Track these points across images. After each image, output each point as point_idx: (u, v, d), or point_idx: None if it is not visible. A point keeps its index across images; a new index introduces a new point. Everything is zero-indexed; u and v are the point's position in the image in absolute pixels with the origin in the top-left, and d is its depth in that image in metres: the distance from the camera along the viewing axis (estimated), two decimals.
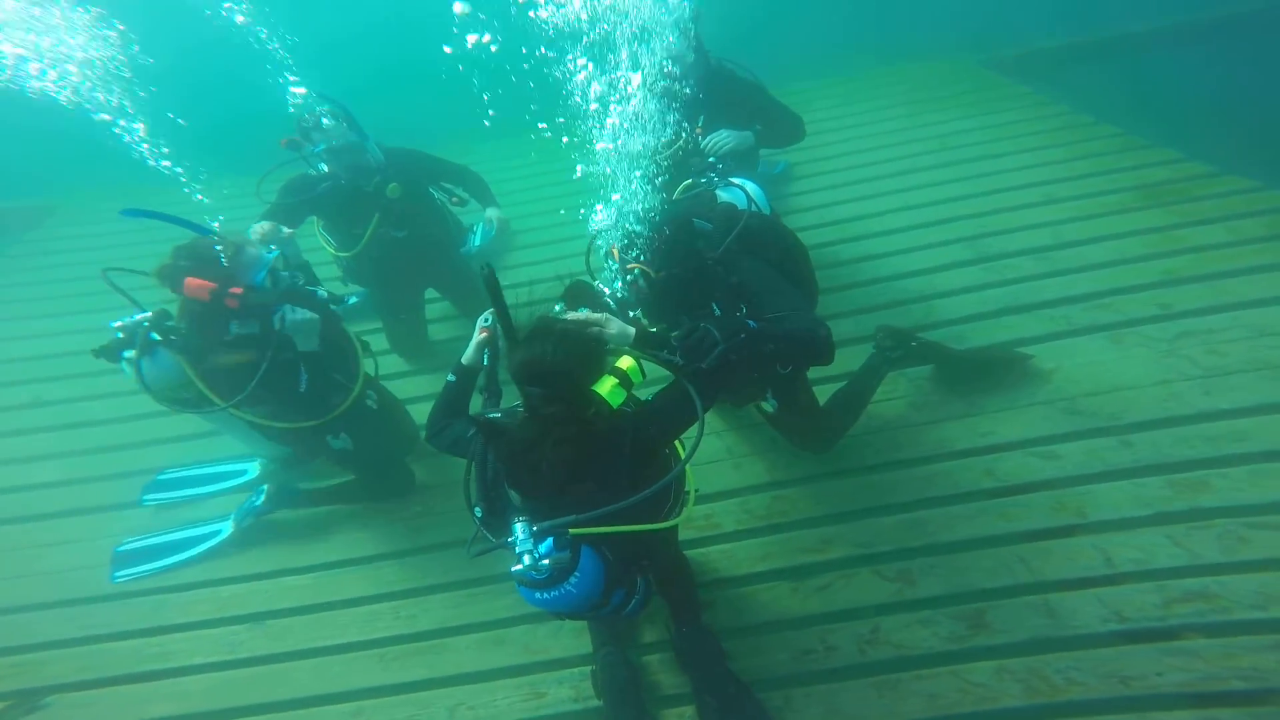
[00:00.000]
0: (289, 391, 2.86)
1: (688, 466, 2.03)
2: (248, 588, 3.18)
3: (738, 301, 2.55)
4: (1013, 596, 2.67)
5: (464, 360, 2.29)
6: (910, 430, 3.38)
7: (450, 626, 2.89)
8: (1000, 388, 3.46)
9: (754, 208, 2.84)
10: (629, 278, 2.50)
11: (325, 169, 3.72)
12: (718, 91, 3.97)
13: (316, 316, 2.90)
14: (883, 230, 4.86)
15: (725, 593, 2.86)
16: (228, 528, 3.34)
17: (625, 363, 1.93)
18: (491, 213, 4.50)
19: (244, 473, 3.69)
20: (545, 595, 1.80)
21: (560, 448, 1.81)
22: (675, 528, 2.80)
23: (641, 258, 2.46)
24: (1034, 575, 2.72)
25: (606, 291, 2.56)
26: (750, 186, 3.03)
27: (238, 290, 2.65)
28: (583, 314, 2.11)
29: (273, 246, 3.00)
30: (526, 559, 1.73)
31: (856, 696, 2.46)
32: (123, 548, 3.39)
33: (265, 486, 3.35)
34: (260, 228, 3.20)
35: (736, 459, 3.39)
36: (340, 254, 3.97)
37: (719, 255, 2.58)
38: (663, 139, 4.17)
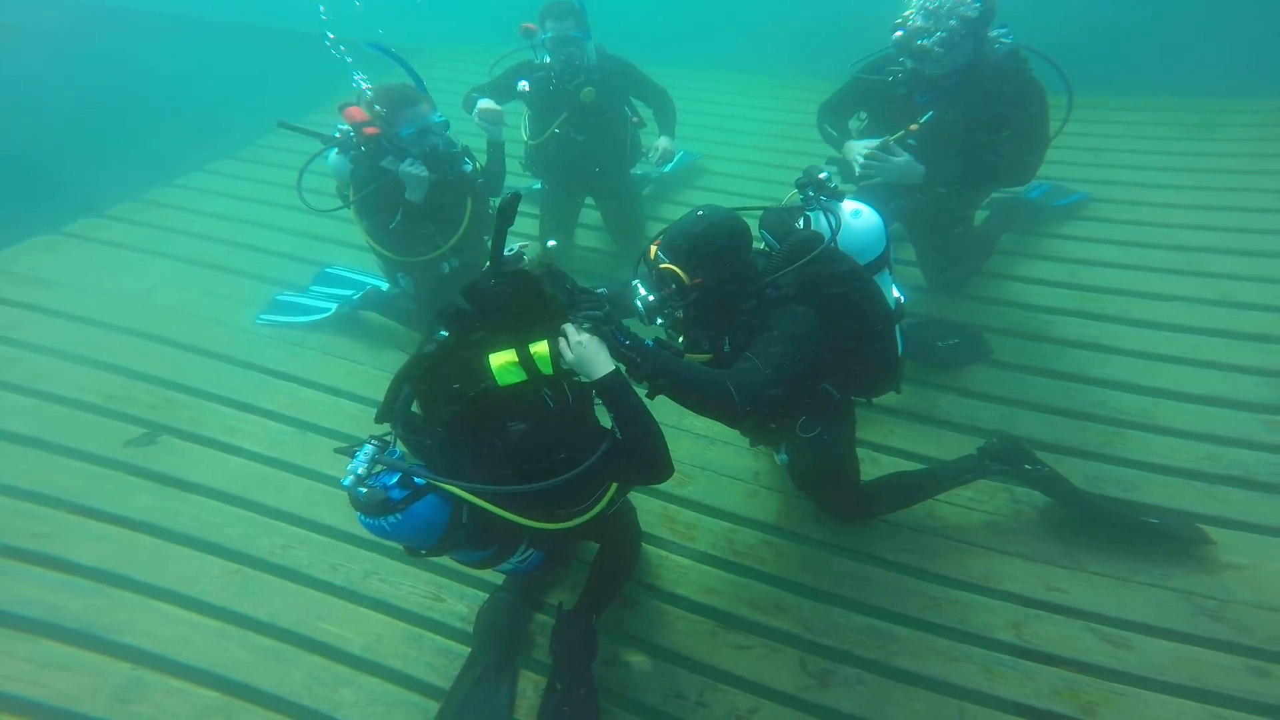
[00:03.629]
0: (381, 222, 3.73)
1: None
2: (318, 396, 3.95)
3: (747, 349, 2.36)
4: None
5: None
6: (963, 548, 3.05)
7: None
8: (1129, 554, 2.96)
9: (834, 243, 2.49)
10: (662, 279, 2.37)
11: (548, 59, 4.27)
12: (973, 87, 3.39)
13: (427, 175, 3.54)
14: (1141, 320, 4.13)
15: (653, 603, 2.94)
16: (331, 308, 4.46)
17: (539, 348, 1.96)
18: (663, 141, 4.65)
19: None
20: (363, 519, 2.00)
21: (443, 383, 2.03)
22: (630, 516, 2.93)
23: (681, 260, 2.33)
24: None
25: (641, 291, 2.44)
26: (862, 220, 2.62)
27: (372, 131, 3.45)
28: (598, 292, 2.10)
29: (442, 117, 3.60)
30: (349, 479, 1.94)
31: None
32: (280, 297, 4.68)
33: (367, 286, 4.49)
34: (484, 104, 3.91)
35: (755, 488, 3.35)
36: (529, 142, 4.56)
37: (763, 285, 2.41)
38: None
